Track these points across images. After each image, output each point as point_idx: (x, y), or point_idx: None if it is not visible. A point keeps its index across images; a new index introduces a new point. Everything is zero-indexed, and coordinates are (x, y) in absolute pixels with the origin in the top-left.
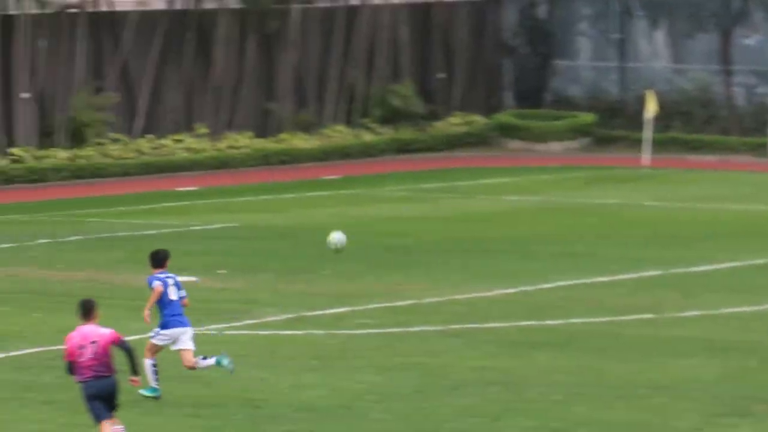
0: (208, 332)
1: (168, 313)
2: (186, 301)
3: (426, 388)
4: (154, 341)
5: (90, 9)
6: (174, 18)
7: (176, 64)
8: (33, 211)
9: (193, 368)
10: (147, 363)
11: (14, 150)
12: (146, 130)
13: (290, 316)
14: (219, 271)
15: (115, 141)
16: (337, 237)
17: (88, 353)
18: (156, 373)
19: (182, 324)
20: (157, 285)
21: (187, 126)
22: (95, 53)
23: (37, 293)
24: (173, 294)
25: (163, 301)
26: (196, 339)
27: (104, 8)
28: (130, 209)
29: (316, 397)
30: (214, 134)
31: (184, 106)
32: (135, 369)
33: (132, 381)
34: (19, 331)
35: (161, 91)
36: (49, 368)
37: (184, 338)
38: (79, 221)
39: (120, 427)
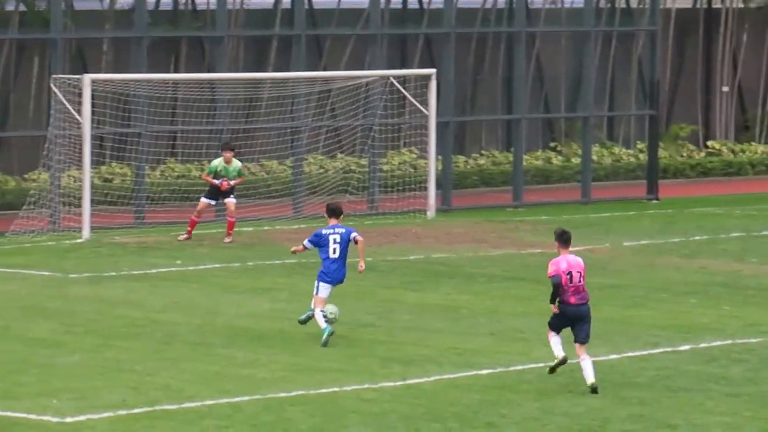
0: None
1: (324, 267)
2: (359, 238)
3: None
4: (318, 295)
5: None
6: None
7: None
8: (728, 204)
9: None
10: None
11: (712, 143)
12: None
13: None
14: None
15: None
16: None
17: (575, 280)
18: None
19: (332, 281)
20: (302, 246)
21: None
22: None
23: (728, 286)
24: (334, 252)
25: (322, 256)
26: None
27: None
28: None
29: None
30: None
31: None
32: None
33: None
34: (707, 323)
35: None
36: (737, 361)
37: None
38: None
39: (587, 357)
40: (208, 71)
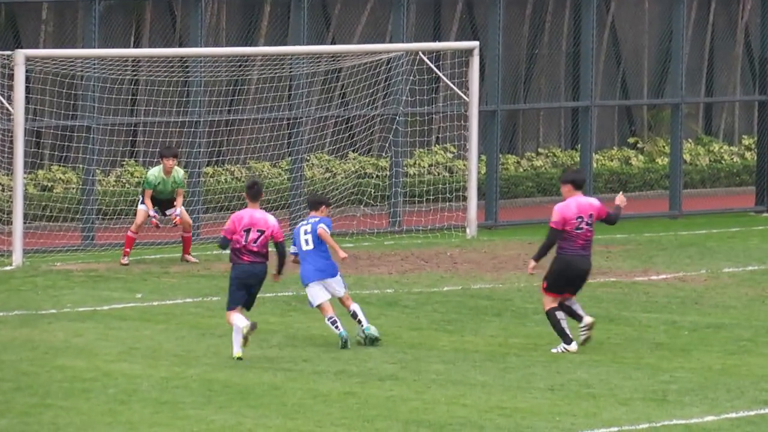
0: None
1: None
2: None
3: None
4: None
5: None
6: None
7: None
8: None
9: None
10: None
11: None
12: None
13: None
14: None
15: None
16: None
17: (252, 238)
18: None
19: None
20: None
21: None
22: None
23: None
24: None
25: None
26: None
27: None
28: None
29: None
30: None
31: None
32: (280, 269)
33: (275, 277)
34: None
35: None
36: None
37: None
38: None
39: (248, 322)
40: (180, 46)
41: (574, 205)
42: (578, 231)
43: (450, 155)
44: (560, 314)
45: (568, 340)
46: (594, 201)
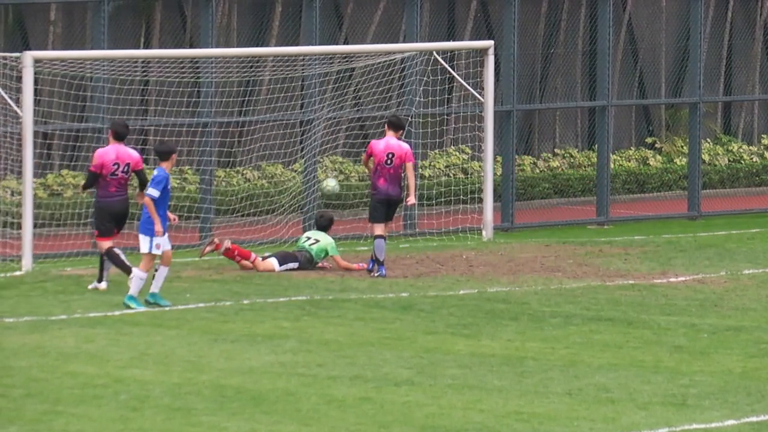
0: None
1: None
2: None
3: None
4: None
5: None
6: None
7: None
8: None
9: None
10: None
11: None
12: None
13: None
14: None
15: None
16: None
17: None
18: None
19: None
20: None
21: None
22: None
23: None
24: None
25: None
26: None
27: None
28: None
29: None
30: None
31: None
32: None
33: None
34: None
35: None
36: None
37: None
38: None
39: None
40: (191, 46)
41: (114, 152)
42: (113, 177)
43: (465, 156)
44: (117, 250)
45: (129, 271)
46: (133, 152)
